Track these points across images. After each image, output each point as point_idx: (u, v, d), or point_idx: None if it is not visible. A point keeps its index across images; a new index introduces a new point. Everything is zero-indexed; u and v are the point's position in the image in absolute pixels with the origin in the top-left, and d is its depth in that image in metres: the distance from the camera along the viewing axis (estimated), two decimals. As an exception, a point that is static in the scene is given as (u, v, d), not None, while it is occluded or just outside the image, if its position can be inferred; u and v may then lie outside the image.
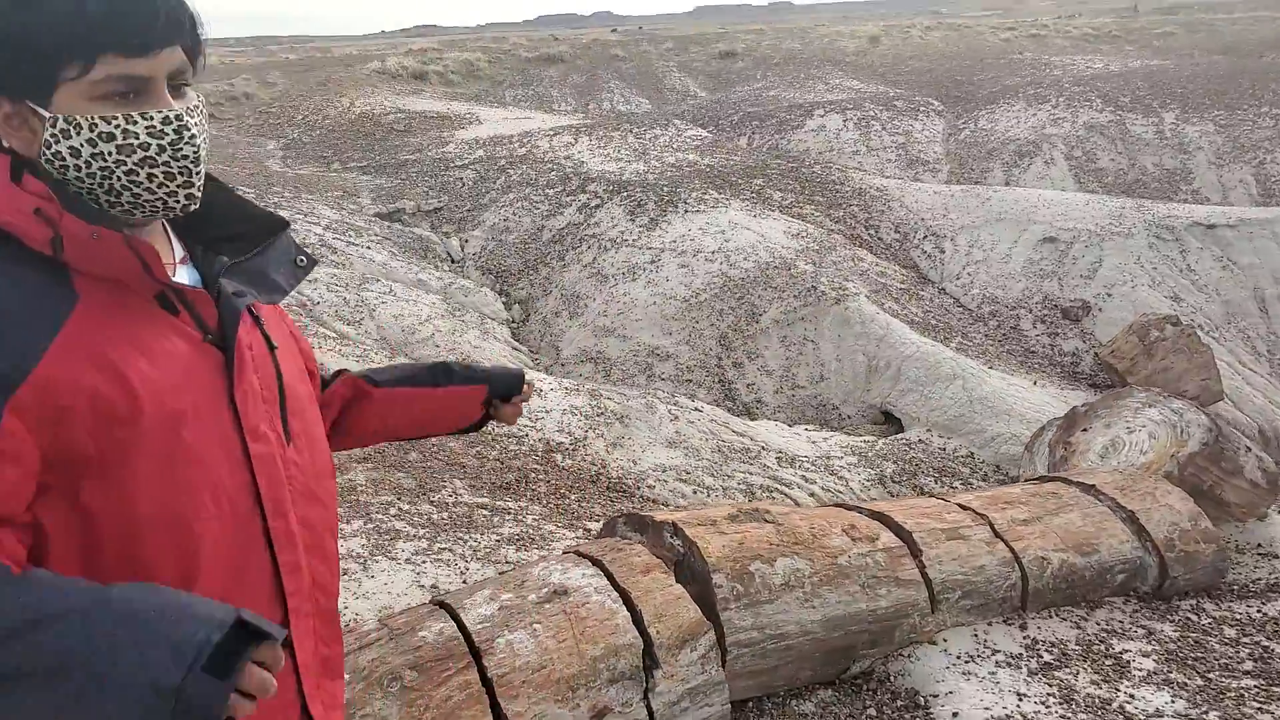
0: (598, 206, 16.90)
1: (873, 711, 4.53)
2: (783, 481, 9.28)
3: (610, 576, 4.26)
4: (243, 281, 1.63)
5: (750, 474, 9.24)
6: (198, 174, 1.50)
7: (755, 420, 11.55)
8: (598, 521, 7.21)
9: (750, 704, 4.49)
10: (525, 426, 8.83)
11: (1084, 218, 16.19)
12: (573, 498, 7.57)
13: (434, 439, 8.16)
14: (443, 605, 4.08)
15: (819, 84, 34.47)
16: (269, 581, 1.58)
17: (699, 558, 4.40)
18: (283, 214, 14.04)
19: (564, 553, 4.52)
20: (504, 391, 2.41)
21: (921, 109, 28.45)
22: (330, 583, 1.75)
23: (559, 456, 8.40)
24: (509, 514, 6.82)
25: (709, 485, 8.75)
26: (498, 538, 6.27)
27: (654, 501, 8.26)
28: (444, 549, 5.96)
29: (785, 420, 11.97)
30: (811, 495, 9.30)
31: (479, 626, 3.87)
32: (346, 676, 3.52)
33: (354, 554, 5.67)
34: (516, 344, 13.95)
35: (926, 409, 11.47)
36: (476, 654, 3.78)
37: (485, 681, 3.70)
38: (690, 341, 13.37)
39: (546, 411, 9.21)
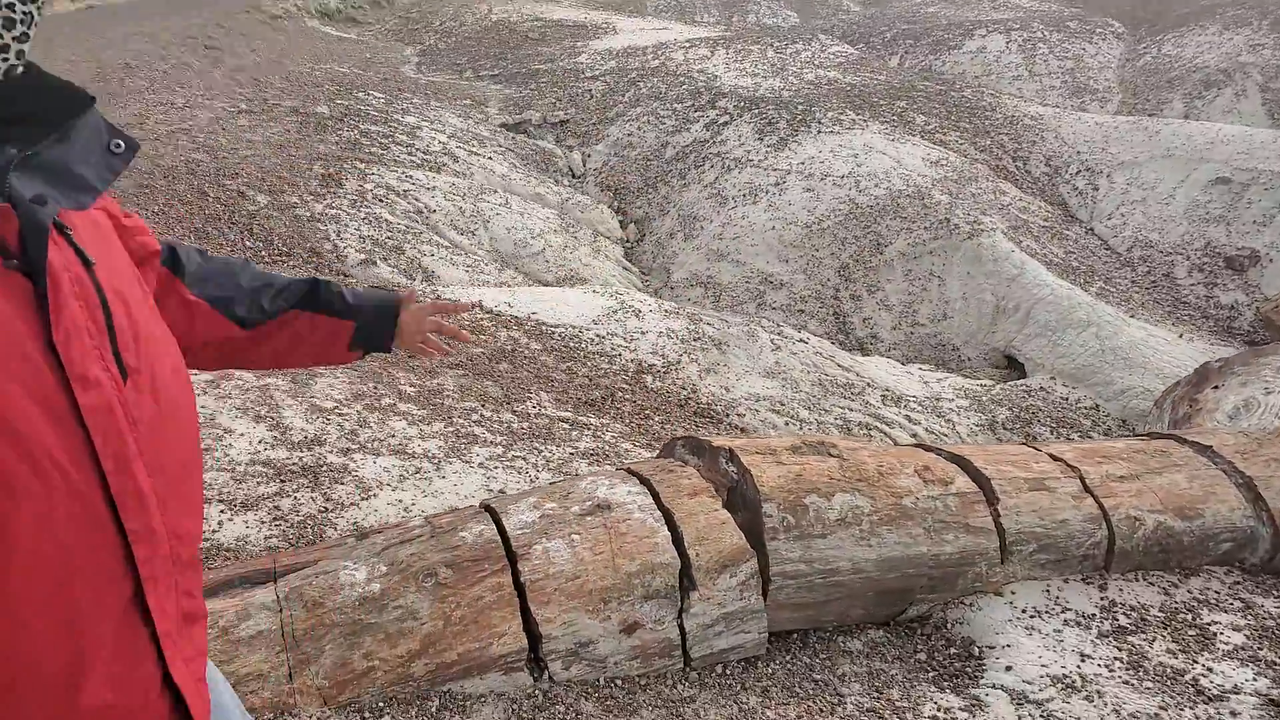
0: (726, 124, 16.59)
1: (923, 656, 4.47)
2: (884, 420, 9.08)
3: (656, 496, 4.31)
4: (42, 181, 1.26)
5: (850, 410, 9.08)
6: None
7: (867, 356, 11.29)
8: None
9: (795, 636, 4.50)
10: (619, 346, 8.93)
11: (1268, 157, 14.78)
12: (656, 419, 7.65)
13: (526, 348, 8.38)
14: (488, 509, 4.23)
15: (984, 0, 32.40)
16: (113, 556, 1.32)
17: (751, 486, 4.39)
18: (409, 120, 14.54)
19: (615, 469, 4.60)
20: (374, 329, 2.14)
21: (1098, 30, 26.38)
22: (192, 529, 1.48)
23: (649, 378, 8.47)
24: (589, 429, 6.96)
25: (803, 418, 8.65)
26: (573, 451, 6.43)
27: (741, 430, 8.25)
28: (518, 457, 6.16)
29: (899, 358, 11.65)
30: (913, 436, 9.08)
31: (518, 532, 4.01)
32: (384, 568, 3.72)
33: (429, 454, 5.94)
34: (628, 264, 14.01)
35: (1053, 355, 10.92)
36: (513, 559, 3.92)
37: (518, 586, 3.85)
38: (807, 270, 13.10)
39: (642, 333, 9.26)
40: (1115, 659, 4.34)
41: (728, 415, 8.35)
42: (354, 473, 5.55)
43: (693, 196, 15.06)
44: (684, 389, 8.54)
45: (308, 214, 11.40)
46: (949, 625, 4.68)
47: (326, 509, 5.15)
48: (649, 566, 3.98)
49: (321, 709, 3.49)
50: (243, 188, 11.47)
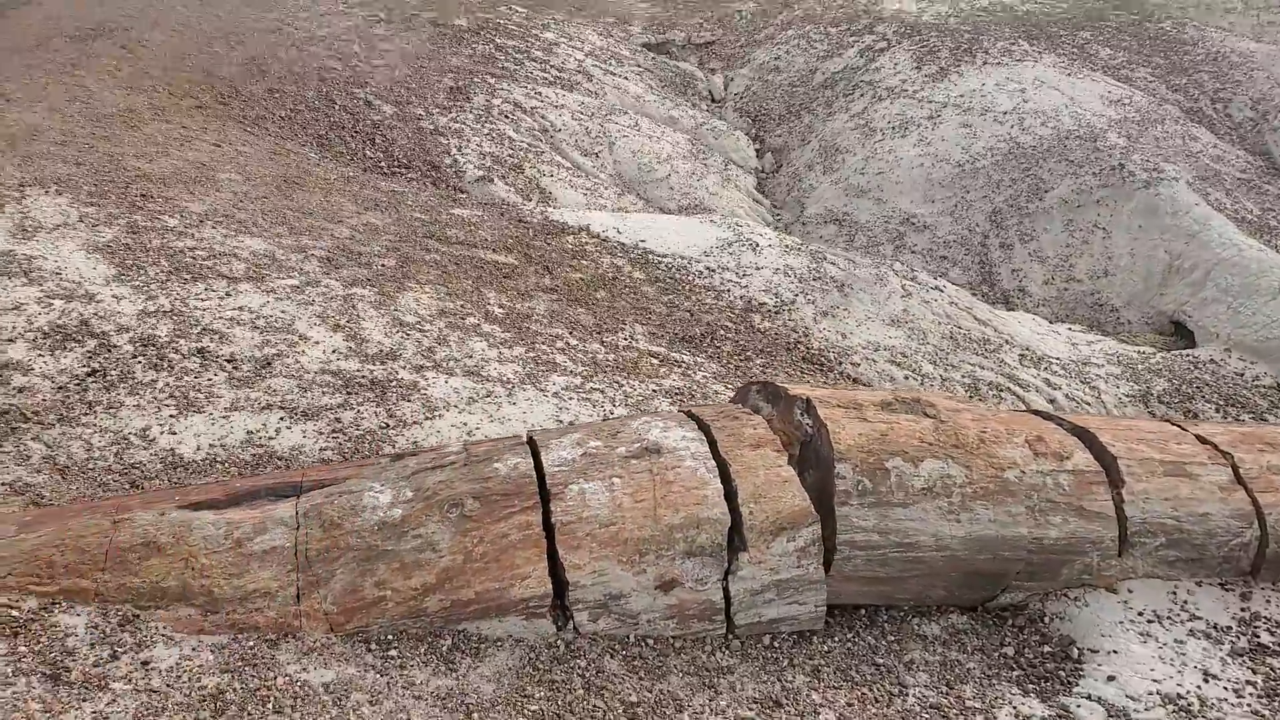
0: (882, 50, 15.56)
1: (1010, 651, 3.98)
2: (1018, 382, 8.35)
3: (713, 445, 3.95)
4: None
5: (981, 368, 8.38)
6: None
7: (1011, 311, 10.44)
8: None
9: (863, 611, 4.09)
10: (729, 281, 8.49)
11: None
12: (758, 362, 7.22)
13: (628, 277, 8.07)
14: (530, 441, 3.98)
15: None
16: None
17: (826, 442, 3.97)
18: (548, 35, 14.36)
19: (675, 410, 4.25)
20: None
21: (1334, -44, 23.28)
22: None
23: (757, 317, 8.03)
24: (680, 367, 6.63)
25: (926, 373, 8.03)
26: (656, 388, 6.12)
27: (853, 381, 7.72)
28: (596, 390, 5.90)
29: (1047, 315, 10.72)
30: (1050, 403, 8.31)
31: (555, 469, 3.74)
32: (409, 493, 3.53)
33: (504, 379, 5.76)
34: (759, 196, 13.42)
35: (1233, 324, 9.77)
36: (546, 497, 3.66)
37: (548, 527, 3.59)
38: (955, 213, 12.19)
39: (757, 268, 8.78)
40: (1247, 683, 3.74)
41: (840, 364, 7.82)
42: (423, 391, 5.42)
43: (837, 126, 14.24)
44: (795, 332, 8.05)
45: (431, 127, 11.35)
46: (1046, 619, 4.16)
47: (388, 425, 5.04)
48: (694, 520, 3.64)
49: (327, 635, 3.36)
50: (370, 97, 11.52)
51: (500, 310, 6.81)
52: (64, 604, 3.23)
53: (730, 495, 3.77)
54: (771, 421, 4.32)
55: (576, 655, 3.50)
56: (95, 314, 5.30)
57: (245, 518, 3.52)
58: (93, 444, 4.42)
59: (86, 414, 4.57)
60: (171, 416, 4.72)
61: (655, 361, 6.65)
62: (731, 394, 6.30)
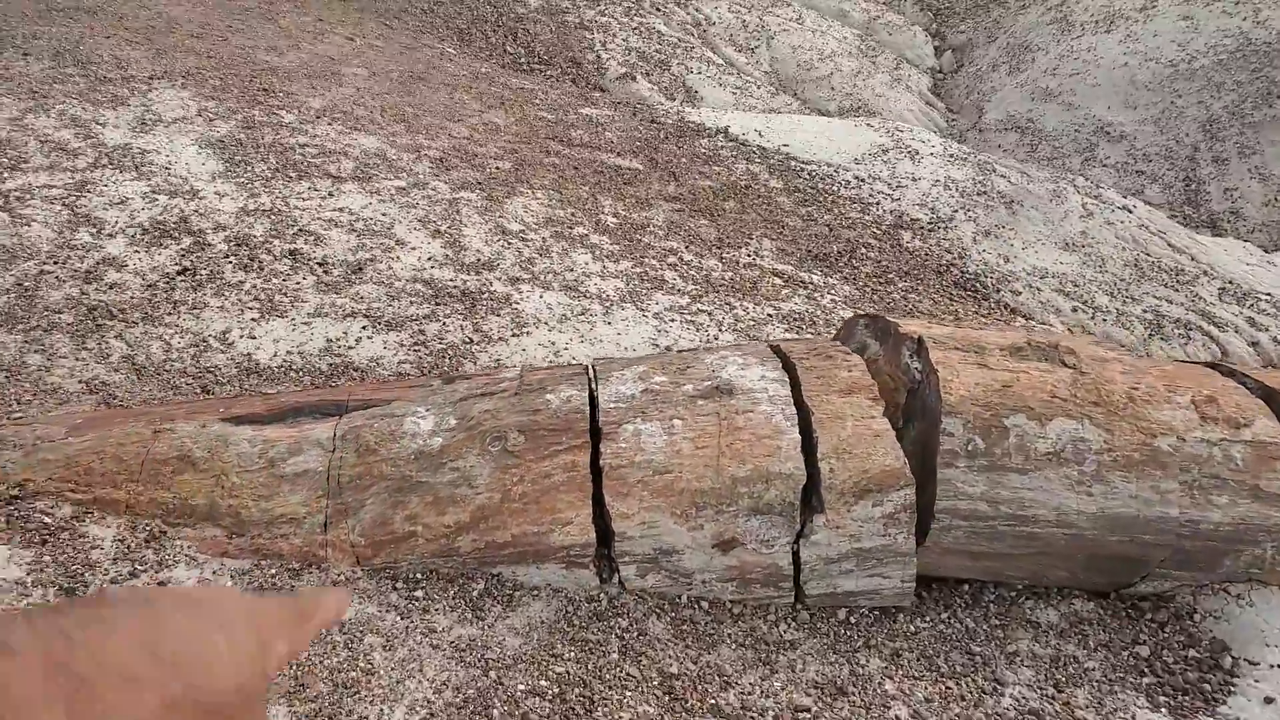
0: (1092, -68, 13.78)
1: (1144, 650, 3.38)
2: (1214, 320, 7.28)
3: (796, 387, 3.46)
4: None
5: (1167, 302, 7.35)
6: None
7: (1217, 237, 9.14)
8: (919, 320, 6.18)
9: (965, 588, 3.57)
10: (880, 193, 7.73)
11: None
12: (900, 286, 6.54)
13: (763, 186, 7.46)
14: (591, 371, 3.62)
15: None
16: None
17: (934, 391, 3.41)
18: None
19: (759, 344, 3.77)
20: None
21: None
22: None
23: (907, 235, 7.27)
24: (806, 288, 6.07)
25: (1099, 305, 7.11)
26: (774, 312, 5.61)
27: (1013, 312, 6.91)
28: (703, 311, 5.45)
29: (1263, 243, 9.34)
30: (1252, 347, 7.22)
31: (611, 405, 3.37)
32: (453, 421, 3.26)
33: (603, 295, 5.40)
34: (932, 99, 12.28)
35: None
36: (597, 436, 3.31)
37: (597, 470, 3.25)
38: (1160, 121, 10.74)
39: (913, 179, 7.95)
40: None
41: (998, 291, 7.01)
42: (515, 305, 5.14)
43: (1030, 20, 12.77)
44: (949, 252, 7.26)
45: (577, 20, 10.90)
46: (1197, 617, 3.51)
47: (472, 340, 4.81)
48: (763, 474, 3.20)
49: (353, 568, 3.17)
50: (517, -11, 11.15)
51: (614, 220, 6.41)
52: (96, 514, 3.17)
53: (809, 448, 3.30)
54: (877, 362, 3.78)
55: (619, 613, 3.18)
56: (196, 210, 5.28)
57: (282, 436, 3.35)
58: (172, 345, 4.39)
59: (170, 313, 4.55)
60: (253, 320, 4.64)
61: (779, 282, 6.11)
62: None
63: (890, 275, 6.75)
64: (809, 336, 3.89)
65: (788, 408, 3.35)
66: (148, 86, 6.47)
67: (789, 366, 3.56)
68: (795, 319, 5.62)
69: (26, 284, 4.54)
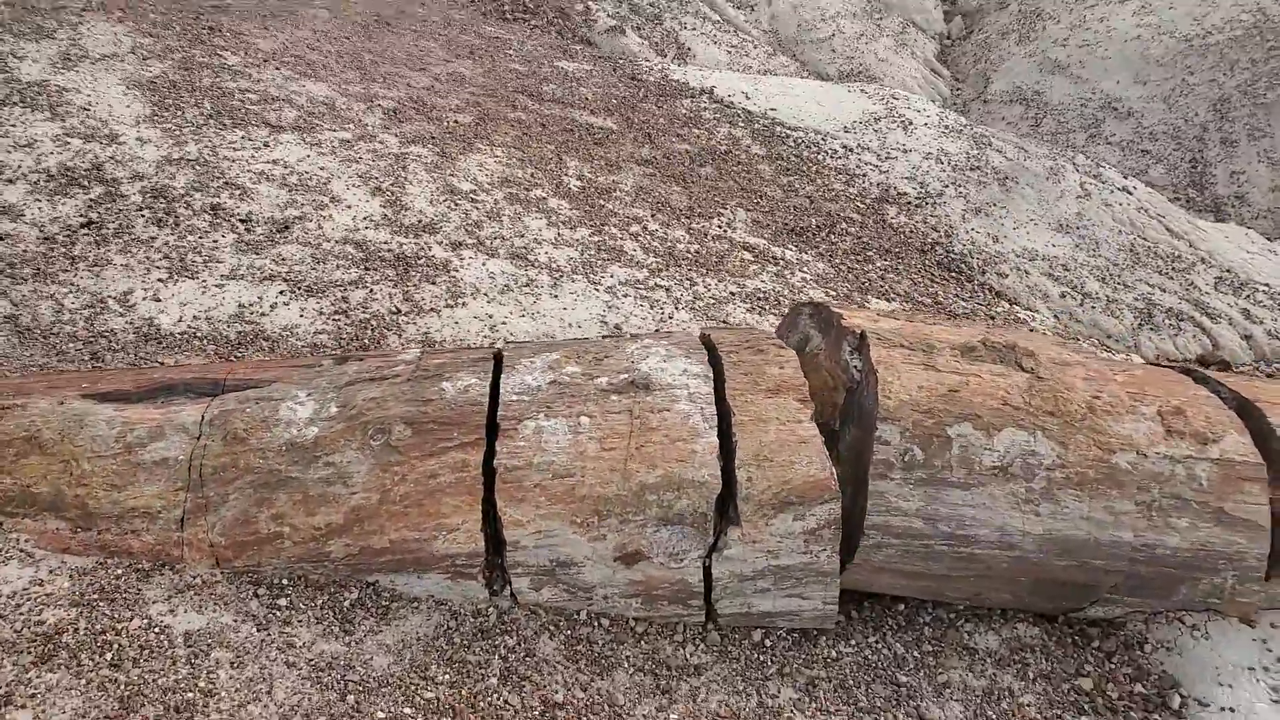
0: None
1: (1086, 684, 3.07)
2: (1207, 310, 6.90)
3: (721, 384, 3.12)
4: None
5: (1160, 290, 6.97)
6: None
7: (1219, 223, 8.71)
8: (895, 302, 5.82)
9: (901, 607, 3.26)
10: (868, 164, 7.31)
11: None
12: (878, 265, 6.16)
13: (745, 152, 7.04)
14: (498, 358, 3.28)
15: None
16: None
17: (872, 393, 3.06)
18: None
19: (688, 334, 3.42)
20: None
21: None
22: None
23: (892, 210, 6.87)
24: (778, 264, 5.70)
25: (1089, 291, 6.73)
26: (737, 290, 5.24)
27: (998, 295, 6.53)
28: (660, 286, 5.09)
29: (1266, 230, 8.92)
30: (1245, 339, 6.85)
31: (513, 397, 3.03)
32: (334, 409, 2.95)
33: (553, 265, 5.03)
34: (938, 65, 11.77)
35: None
36: (496, 430, 2.97)
37: (491, 470, 2.91)
38: (1170, 99, 10.24)
39: (904, 151, 7.52)
40: None
41: (984, 272, 6.63)
42: (454, 272, 4.79)
43: (1044, -14, 12.19)
44: (935, 230, 6.87)
45: (566, -32, 10.38)
46: (1146, 648, 3.19)
47: (399, 311, 4.46)
48: (673, 481, 2.87)
49: (211, 570, 2.86)
50: (506, -67, 10.63)
51: (577, 183, 6.03)
52: (-67, 498, 2.86)
53: (728, 453, 2.96)
54: (818, 358, 3.43)
55: (507, 630, 2.87)
56: (112, 157, 4.91)
57: (144, 419, 3.02)
58: (64, 305, 4.06)
59: (67, 270, 4.21)
60: (160, 281, 4.30)
61: (748, 256, 5.74)
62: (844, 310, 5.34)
63: (870, 253, 6.37)
64: (744, 327, 3.53)
65: (708, 407, 3.01)
66: (79, 19, 6.06)
67: (716, 361, 3.22)
68: (760, 298, 5.26)
69: (-85, 233, 4.20)
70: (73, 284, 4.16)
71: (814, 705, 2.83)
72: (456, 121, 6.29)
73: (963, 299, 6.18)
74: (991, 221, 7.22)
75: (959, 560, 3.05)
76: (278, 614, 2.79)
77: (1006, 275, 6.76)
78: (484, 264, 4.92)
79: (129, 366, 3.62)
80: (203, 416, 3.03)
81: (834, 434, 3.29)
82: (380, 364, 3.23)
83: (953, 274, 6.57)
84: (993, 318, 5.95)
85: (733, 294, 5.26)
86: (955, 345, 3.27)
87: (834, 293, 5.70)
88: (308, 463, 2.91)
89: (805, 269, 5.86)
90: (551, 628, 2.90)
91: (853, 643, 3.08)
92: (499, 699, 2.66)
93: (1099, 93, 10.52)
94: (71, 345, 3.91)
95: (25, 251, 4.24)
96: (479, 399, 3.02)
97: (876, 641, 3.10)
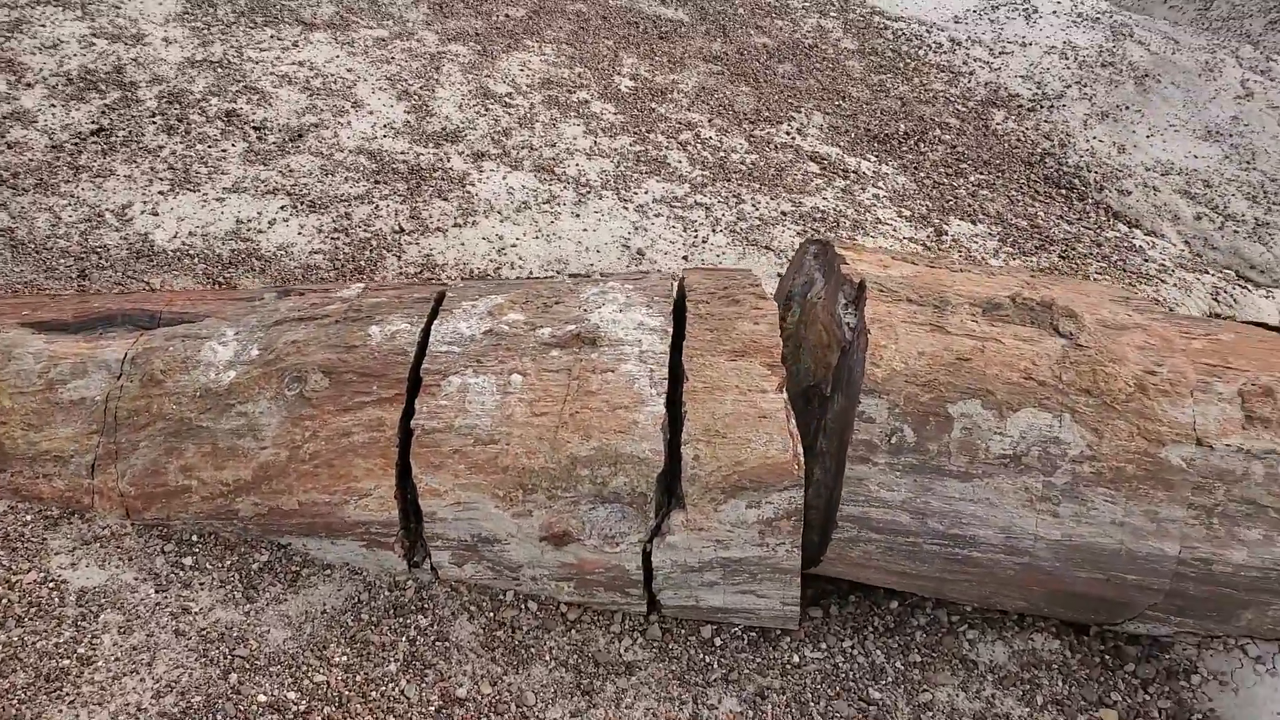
0: None
1: (1110, 716, 2.56)
2: (1381, 241, 5.81)
3: (680, 339, 2.68)
4: None
5: (1324, 214, 5.90)
6: None
7: None
8: (982, 225, 5.10)
9: (894, 604, 2.81)
10: (976, 60, 6.42)
11: None
12: (971, 179, 5.41)
13: (833, 46, 6.28)
14: (441, 298, 2.92)
15: None
16: None
17: (860, 357, 2.56)
18: None
19: (674, 274, 2.96)
20: None
21: None
22: None
23: (1000, 114, 6.02)
24: (848, 178, 5.06)
25: (1234, 213, 5.76)
26: (792, 209, 4.67)
27: (1115, 217, 5.66)
28: (700, 204, 4.58)
29: None
30: None
31: (443, 348, 2.68)
32: (255, 352, 2.70)
33: (582, 179, 4.59)
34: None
35: None
36: (417, 387, 2.65)
37: (408, 431, 2.60)
38: (1377, -26, 8.60)
39: (1023, 45, 6.55)
40: None
41: (1100, 189, 5.75)
42: (469, 187, 4.43)
43: None
44: (1048, 139, 5.99)
45: None
46: (1194, 679, 2.65)
47: (402, 230, 4.15)
48: (610, 454, 2.49)
49: (121, 521, 2.69)
50: None
51: (629, 84, 5.50)
52: None
53: (675, 424, 2.55)
54: (816, 309, 2.92)
55: (423, 608, 2.60)
56: (135, 59, 4.73)
57: (70, 353, 2.84)
58: (61, 218, 3.94)
59: (69, 181, 4.08)
60: (160, 194, 4.12)
61: (813, 169, 5.13)
62: (908, 228, 4.72)
63: (963, 165, 5.62)
64: (732, 269, 3.01)
65: (658, 369, 2.58)
66: (133, -89, 5.85)
67: (679, 311, 2.77)
68: (817, 218, 4.68)
69: (-74, 141, 4.15)
70: (73, 195, 4.03)
71: (758, 721, 2.46)
72: (507, 16, 5.82)
73: (1067, 221, 5.38)
74: (1120, 128, 6.26)
75: (953, 563, 2.56)
76: (180, 574, 2.60)
77: (1130, 192, 5.86)
78: (504, 178, 4.53)
79: (77, 292, 3.45)
80: (126, 354, 2.82)
81: (825, 400, 2.81)
82: (318, 300, 2.94)
83: (1061, 190, 5.74)
84: (1099, 245, 5.16)
85: (784, 214, 4.70)
86: (977, 300, 2.70)
87: (908, 212, 5.04)
88: (220, 411, 2.67)
89: (880, 183, 5.20)
90: (473, 608, 2.62)
91: (823, 646, 2.66)
92: (394, 689, 2.40)
93: (1286, -30, 8.96)
94: (62, 261, 3.79)
95: (31, 160, 4.13)
96: (405, 348, 2.69)
97: (853, 647, 2.68)
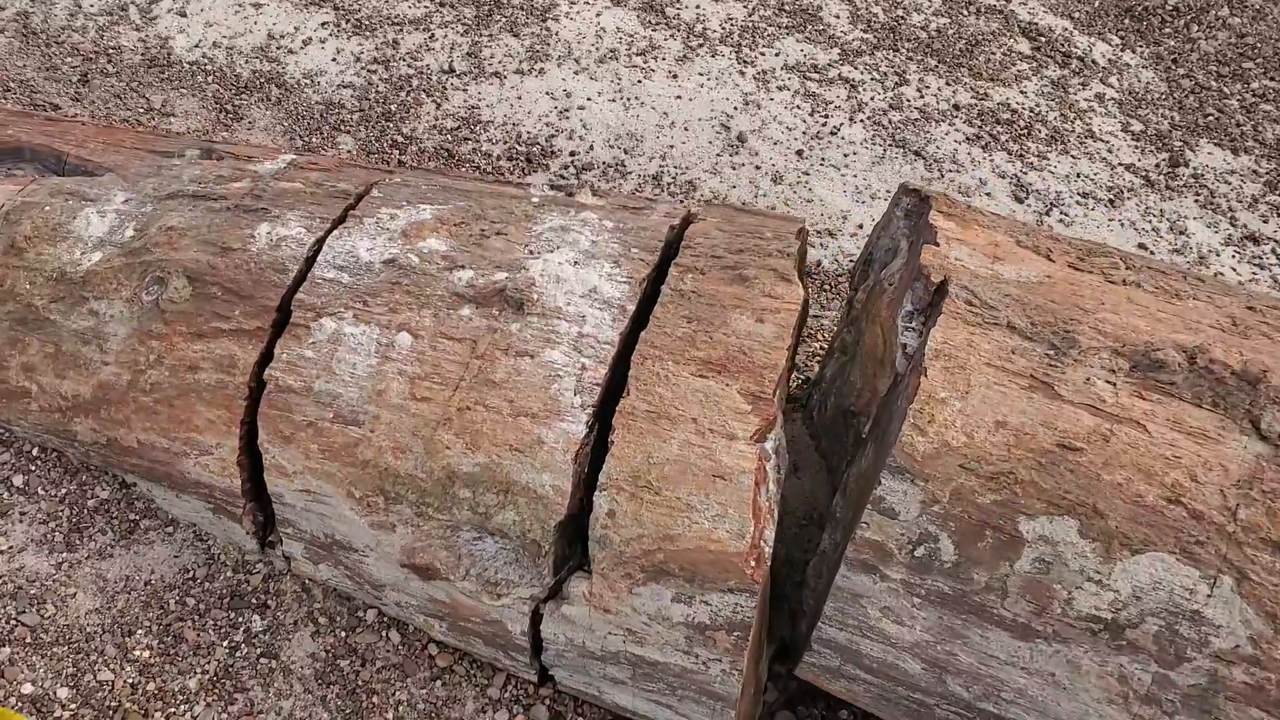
0: None
1: None
2: None
3: (640, 326, 1.80)
4: None
5: None
6: None
7: None
8: (1247, 158, 3.69)
9: (898, 742, 1.94)
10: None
11: None
12: (1253, 86, 3.88)
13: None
14: (361, 197, 2.14)
15: None
16: None
17: (902, 407, 1.61)
18: None
19: (672, 211, 2.02)
20: None
21: None
22: None
23: None
24: (1064, 67, 3.71)
25: None
26: (970, 101, 3.45)
27: None
28: (844, 79, 3.45)
29: None
30: None
31: (326, 276, 1.93)
32: (131, 231, 2.12)
33: (696, 28, 3.55)
34: None
35: None
36: (288, 320, 1.93)
37: (261, 382, 1.91)
38: None
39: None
40: None
41: None
42: (551, 22, 3.51)
43: None
44: None
45: None
46: None
47: (451, 70, 3.33)
48: (500, 479, 1.71)
49: (-37, 414, 2.20)
50: None
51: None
52: None
53: (598, 454, 1.73)
54: (880, 299, 1.95)
55: (264, 604, 2.00)
56: None
57: (-50, 194, 2.31)
58: (82, 7, 3.39)
59: (104, -38, 3.50)
60: (198, -9, 3.49)
61: (1023, 47, 3.84)
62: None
63: (1247, 64, 4.11)
64: (771, 214, 1.99)
65: (594, 368, 1.74)
66: None
67: (662, 264, 1.87)
68: (1002, 120, 3.47)
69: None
70: (99, -18, 3.47)
71: None
72: None
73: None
74: None
75: (984, 740, 1.66)
76: (4, 496, 2.10)
77: None
78: (598, 14, 3.58)
79: (7, 110, 2.89)
80: (2, 206, 2.26)
81: (861, 442, 1.89)
82: (226, 173, 2.23)
83: None
84: None
85: (958, 107, 3.51)
86: (1125, 347, 1.64)
87: (1140, 125, 3.69)
88: (71, 304, 2.08)
89: (1114, 78, 3.83)
90: (322, 620, 1.98)
91: (775, 779, 1.87)
92: (185, 713, 1.83)
93: None
94: (69, 61, 3.27)
95: (64, -67, 3.57)
96: (287, 262, 1.96)
97: (819, 791, 1.87)
